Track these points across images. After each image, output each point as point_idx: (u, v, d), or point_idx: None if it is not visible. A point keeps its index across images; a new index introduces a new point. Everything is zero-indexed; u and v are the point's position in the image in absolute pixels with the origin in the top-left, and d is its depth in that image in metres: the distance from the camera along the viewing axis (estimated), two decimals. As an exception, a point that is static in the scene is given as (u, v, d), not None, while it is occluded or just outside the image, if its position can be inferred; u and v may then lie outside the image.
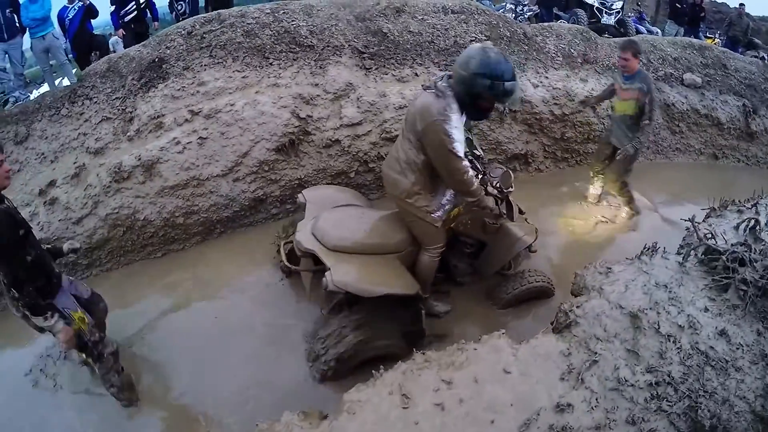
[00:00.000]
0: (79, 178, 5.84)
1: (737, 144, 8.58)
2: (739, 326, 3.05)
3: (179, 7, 9.97)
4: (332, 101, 6.19)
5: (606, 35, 9.80)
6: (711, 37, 13.69)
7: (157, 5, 10.08)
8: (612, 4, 11.42)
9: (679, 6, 12.80)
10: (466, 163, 3.76)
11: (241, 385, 4.31)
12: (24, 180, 5.95)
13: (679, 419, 2.57)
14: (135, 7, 9.40)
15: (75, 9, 8.59)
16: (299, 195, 4.90)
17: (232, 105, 5.93)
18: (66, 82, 8.33)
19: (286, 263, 4.40)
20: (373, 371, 2.93)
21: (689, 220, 4.05)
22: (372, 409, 2.64)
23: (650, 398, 2.65)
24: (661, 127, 8.00)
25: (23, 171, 6.01)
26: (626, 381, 2.74)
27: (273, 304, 5.04)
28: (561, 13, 11.97)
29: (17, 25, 7.82)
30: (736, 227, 3.98)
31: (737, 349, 2.91)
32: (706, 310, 3.14)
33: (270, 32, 6.43)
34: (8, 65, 8.04)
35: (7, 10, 7.60)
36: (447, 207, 4.11)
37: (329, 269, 3.80)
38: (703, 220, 4.27)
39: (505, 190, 4.43)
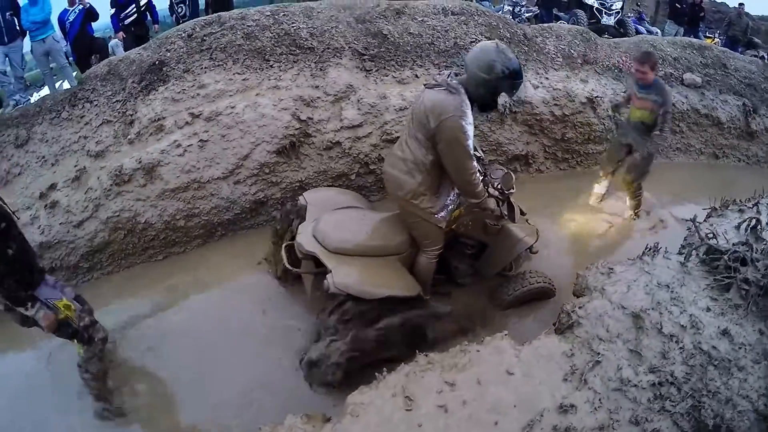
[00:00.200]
0: (79, 181, 5.83)
1: (737, 143, 8.58)
2: (742, 326, 3.06)
3: (179, 10, 9.98)
4: (333, 103, 6.19)
5: (606, 36, 9.81)
6: (711, 37, 13.69)
7: (157, 8, 10.10)
8: (612, 5, 11.43)
9: (679, 6, 12.80)
10: (475, 162, 3.79)
11: (243, 388, 4.30)
12: (24, 183, 5.95)
13: (682, 419, 2.58)
14: (135, 9, 9.42)
15: (75, 12, 8.61)
16: (300, 197, 4.90)
17: (232, 107, 5.92)
18: (66, 85, 8.30)
19: (288, 265, 4.39)
20: (376, 374, 2.93)
21: (691, 220, 4.06)
22: (375, 411, 2.65)
23: (653, 398, 2.66)
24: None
25: (24, 174, 6.02)
26: (629, 381, 2.75)
27: (274, 307, 5.03)
28: (561, 14, 11.99)
29: (17, 28, 7.80)
30: (738, 227, 3.98)
31: (740, 348, 2.92)
32: (708, 309, 3.15)
33: (270, 34, 6.43)
34: (8, 68, 8.02)
35: (8, 13, 7.58)
36: (450, 207, 4.09)
37: (330, 271, 3.81)
38: (705, 220, 4.27)
39: (506, 192, 4.43)
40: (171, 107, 6.00)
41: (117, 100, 6.19)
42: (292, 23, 6.57)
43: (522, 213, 4.98)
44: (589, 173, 7.33)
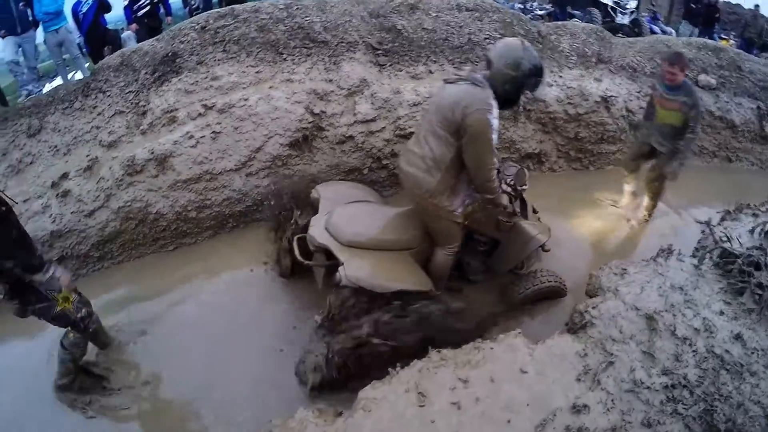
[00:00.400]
0: (91, 171, 5.85)
1: (751, 147, 8.49)
2: (755, 330, 3.04)
3: (193, 2, 10.02)
4: (346, 97, 6.17)
5: (620, 35, 9.72)
6: (725, 39, 13.62)
7: (171, 0, 10.10)
8: (626, 4, 11.39)
9: (694, 6, 12.72)
10: (495, 159, 3.77)
11: (251, 381, 4.30)
12: (36, 172, 5.96)
13: (694, 422, 2.57)
14: (149, 1, 9.44)
15: (88, 3, 8.62)
16: (313, 191, 4.90)
17: (245, 100, 5.91)
18: (79, 76, 8.34)
19: (299, 257, 4.39)
20: (389, 369, 2.92)
21: (705, 223, 4.04)
22: (388, 406, 2.64)
23: (666, 401, 2.65)
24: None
25: (36, 163, 6.03)
26: (642, 383, 2.73)
27: (283, 300, 5.04)
28: (575, 12, 11.94)
29: (30, 18, 7.84)
30: (752, 231, 3.96)
31: (752, 353, 2.90)
32: (722, 313, 3.14)
33: (284, 28, 6.42)
34: (21, 58, 8.06)
35: (21, 4, 7.61)
36: (467, 202, 4.05)
37: (342, 264, 3.81)
38: (719, 223, 4.24)
39: (519, 188, 4.42)
40: (184, 99, 6.00)
41: (130, 91, 6.19)
42: (306, 17, 6.55)
43: (534, 211, 4.97)
44: (602, 173, 7.31)
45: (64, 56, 8.73)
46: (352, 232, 4.09)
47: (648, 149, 5.91)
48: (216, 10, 6.65)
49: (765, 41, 13.72)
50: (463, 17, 7.10)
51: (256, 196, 5.92)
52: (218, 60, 6.24)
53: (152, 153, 5.68)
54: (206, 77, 6.11)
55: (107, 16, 9.08)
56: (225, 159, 5.79)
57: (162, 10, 9.83)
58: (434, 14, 6.99)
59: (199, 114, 5.89)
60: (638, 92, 7.60)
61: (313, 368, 3.95)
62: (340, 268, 3.79)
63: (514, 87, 3.67)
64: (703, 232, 4.18)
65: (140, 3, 9.39)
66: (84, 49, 9.32)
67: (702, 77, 8.21)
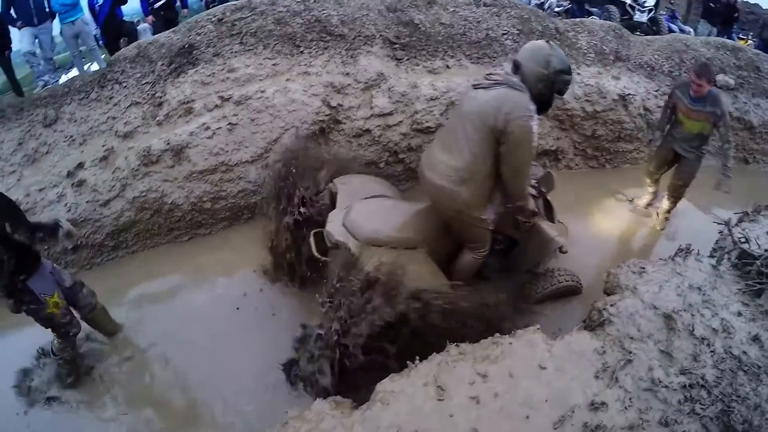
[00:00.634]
0: (107, 161, 5.88)
1: (769, 149, 8.44)
2: (773, 332, 3.01)
3: (209, -5, 10.00)
4: (363, 91, 6.16)
5: (638, 33, 9.66)
6: (744, 39, 13.47)
7: (187, -8, 10.13)
8: (645, 2, 11.29)
9: (713, 6, 12.61)
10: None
11: (260, 372, 4.30)
12: (52, 162, 6.00)
13: (711, 423, 2.54)
14: (166, -6, 9.46)
15: (104, -5, 8.64)
16: (330, 184, 4.86)
17: (262, 92, 5.93)
18: (95, 67, 8.35)
19: (316, 253, 4.36)
20: (408, 362, 2.91)
21: (724, 223, 4.00)
22: (406, 399, 2.62)
23: (683, 400, 2.62)
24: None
25: (51, 153, 6.07)
26: (660, 382, 2.71)
27: (296, 292, 5.04)
28: (593, 9, 11.86)
29: (47, 10, 7.86)
30: (770, 232, 3.93)
31: (769, 355, 2.88)
32: (740, 314, 3.11)
33: (301, 21, 6.42)
34: (38, 50, 8.09)
35: (38, -5, 7.65)
36: (497, 209, 3.90)
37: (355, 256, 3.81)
38: (736, 225, 4.21)
39: (543, 190, 4.40)
40: (200, 90, 6.02)
41: (146, 82, 6.21)
42: (323, 10, 6.55)
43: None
44: (619, 171, 7.27)
45: (80, 48, 8.74)
46: (370, 229, 4.03)
47: (672, 156, 5.81)
48: (233, 2, 6.65)
49: (783, 42, 13.61)
50: (481, 12, 7.07)
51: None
52: (235, 52, 6.24)
53: (168, 144, 5.70)
54: (223, 69, 6.12)
55: (123, 8, 9.08)
56: (241, 150, 5.81)
57: (178, 3, 9.84)
58: (452, 9, 6.96)
59: (216, 105, 5.91)
60: (656, 91, 7.54)
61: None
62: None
63: (546, 86, 3.57)
64: (720, 232, 4.14)
65: (157, -5, 9.43)
66: (100, 41, 9.34)
67: (720, 77, 8.13)
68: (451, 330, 3.45)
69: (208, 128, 5.77)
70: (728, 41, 9.33)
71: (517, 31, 7.01)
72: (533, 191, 4.29)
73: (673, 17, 13.25)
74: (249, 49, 6.26)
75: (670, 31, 11.41)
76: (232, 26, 6.37)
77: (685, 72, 7.65)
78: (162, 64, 6.21)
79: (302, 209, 4.61)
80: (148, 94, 6.14)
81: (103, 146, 5.94)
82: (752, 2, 18.96)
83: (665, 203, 5.98)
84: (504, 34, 6.93)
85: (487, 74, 3.77)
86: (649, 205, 6.34)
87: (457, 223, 3.94)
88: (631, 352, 2.88)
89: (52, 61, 8.50)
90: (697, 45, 8.43)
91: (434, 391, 2.65)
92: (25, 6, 7.52)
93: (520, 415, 2.55)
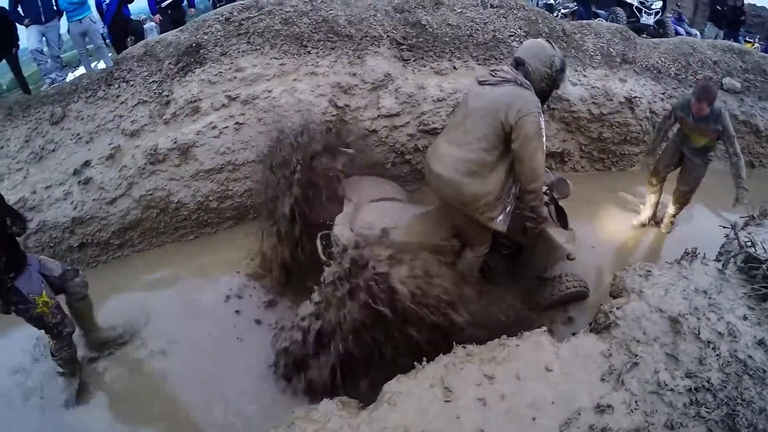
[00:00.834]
0: (114, 159, 5.90)
1: (775, 152, 8.41)
2: (778, 337, 3.01)
3: (216, -6, 10.01)
4: (370, 91, 6.16)
5: (645, 35, 9.66)
6: (750, 42, 13.48)
7: (194, -8, 10.16)
8: (651, 4, 11.25)
9: (720, 8, 12.57)
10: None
11: (262, 372, 4.35)
12: (59, 159, 6.01)
13: (716, 426, 2.54)
14: (173, -7, 9.49)
15: (111, -6, 8.67)
16: (338, 186, 4.86)
17: (269, 92, 5.94)
18: (102, 65, 8.40)
19: (323, 256, 4.36)
20: (414, 363, 2.92)
21: (730, 227, 4.01)
22: (413, 401, 2.63)
23: (689, 404, 2.63)
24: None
25: (58, 150, 6.07)
26: (666, 385, 2.71)
27: (300, 292, 5.02)
28: (600, 11, 11.85)
29: (55, 8, 7.90)
30: (776, 237, 3.92)
31: (775, 359, 2.87)
32: (745, 318, 3.11)
33: (308, 21, 6.41)
34: (45, 47, 8.13)
35: (45, -7, 7.68)
36: (508, 210, 3.92)
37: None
38: (742, 228, 4.21)
39: (555, 196, 4.40)
40: (207, 89, 6.03)
41: (153, 81, 6.22)
42: (330, 10, 6.55)
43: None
44: (625, 174, 7.25)
45: (87, 46, 8.79)
46: (376, 234, 4.06)
47: (679, 157, 5.78)
48: (240, 1, 6.66)
49: (790, 45, 13.60)
50: (488, 14, 7.07)
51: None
52: (242, 52, 6.25)
53: (175, 142, 5.72)
54: (230, 68, 6.13)
55: (131, 6, 9.14)
56: (248, 150, 5.82)
57: (185, 2, 9.88)
58: (459, 10, 6.96)
59: (223, 105, 5.92)
60: (662, 94, 7.53)
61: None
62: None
63: (548, 84, 3.81)
64: (726, 236, 4.15)
65: (164, -6, 9.47)
66: (107, 40, 9.38)
67: (726, 80, 8.12)
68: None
69: (215, 127, 5.79)
70: (735, 44, 9.30)
71: (524, 33, 7.00)
72: (545, 197, 4.27)
73: (679, 20, 13.23)
74: (256, 49, 6.26)
75: (677, 33, 11.42)
76: (239, 26, 6.37)
77: (694, 81, 7.64)
78: (169, 63, 6.22)
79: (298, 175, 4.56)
80: (155, 93, 6.15)
81: (110, 144, 5.96)
82: (759, 5, 18.95)
83: (671, 208, 5.96)
84: (511, 35, 6.93)
85: (492, 71, 3.87)
86: (650, 221, 6.26)
87: (462, 219, 3.98)
88: (637, 355, 2.88)
89: (59, 59, 8.52)
90: (704, 48, 8.41)
91: (441, 392, 2.66)
92: (33, 4, 7.58)
93: (527, 417, 2.55)
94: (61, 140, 6.11)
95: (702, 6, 16.16)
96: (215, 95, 5.98)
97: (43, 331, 4.19)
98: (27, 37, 7.82)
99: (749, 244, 3.72)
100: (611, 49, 7.57)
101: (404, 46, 6.53)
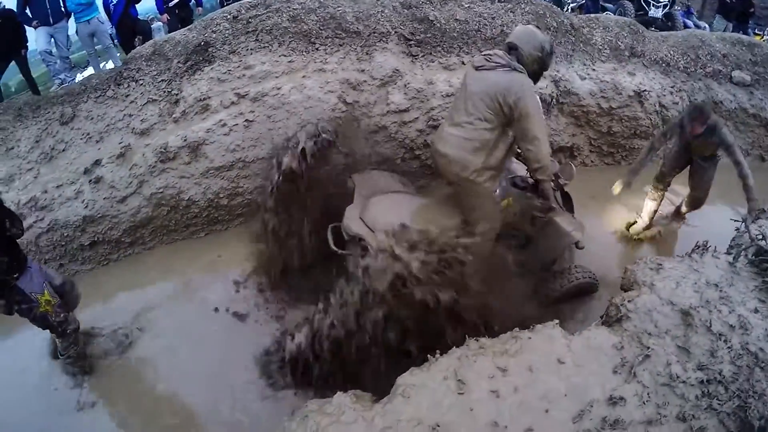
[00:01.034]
0: (124, 157, 5.92)
1: (786, 146, 8.36)
2: (789, 330, 3.00)
3: (224, -7, 10.02)
4: (379, 87, 6.17)
5: (653, 28, 9.60)
6: (760, 34, 13.32)
7: (201, -9, 10.17)
8: (660, -3, 11.19)
9: (729, 1, 12.49)
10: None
11: (269, 368, 4.42)
12: (69, 159, 6.02)
13: (728, 418, 2.54)
14: (180, -8, 9.50)
15: (118, -6, 8.70)
16: (348, 180, 4.91)
17: (278, 89, 5.95)
18: (111, 65, 8.44)
19: (333, 247, 4.40)
20: (428, 356, 2.93)
21: (741, 220, 4.00)
22: (427, 393, 2.63)
23: (701, 396, 2.62)
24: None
25: (68, 150, 6.08)
26: (678, 377, 2.71)
27: (311, 288, 5.05)
28: (607, 5, 11.79)
29: (63, 9, 7.94)
30: (787, 230, 3.91)
31: (786, 352, 2.87)
32: (756, 311, 3.10)
33: (316, 18, 6.42)
34: (54, 48, 8.17)
35: (53, -5, 7.72)
36: (503, 185, 4.34)
37: (373, 252, 3.83)
38: (753, 221, 4.20)
39: (561, 181, 4.45)
40: (216, 87, 6.04)
41: (162, 80, 6.23)
42: (338, 7, 6.55)
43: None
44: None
45: (96, 46, 8.84)
46: (387, 222, 4.08)
47: (685, 161, 5.72)
48: (247, 0, 6.68)
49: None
50: (496, 8, 7.06)
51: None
52: (251, 49, 6.26)
53: (185, 140, 5.74)
54: (239, 66, 6.14)
55: (138, 6, 9.15)
56: (257, 147, 5.84)
57: (193, 1, 9.89)
58: (467, 5, 6.95)
59: (232, 102, 5.94)
60: (672, 87, 7.50)
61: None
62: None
63: (539, 67, 4.15)
64: (737, 229, 4.14)
65: (172, -7, 9.48)
66: (115, 40, 9.42)
67: (736, 73, 8.08)
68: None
69: (224, 125, 5.81)
70: (744, 37, 9.25)
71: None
72: (551, 183, 4.37)
73: (688, 13, 13.14)
74: (264, 47, 6.26)
75: (686, 26, 11.34)
76: (247, 24, 6.38)
77: (703, 74, 7.63)
78: (178, 62, 6.24)
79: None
80: (164, 92, 6.17)
81: (120, 143, 5.97)
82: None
83: (684, 207, 5.94)
84: (519, 30, 6.92)
85: (486, 56, 4.13)
86: (646, 230, 6.15)
87: (470, 198, 4.20)
88: (648, 348, 2.88)
89: (68, 60, 8.58)
90: (713, 41, 8.37)
91: (454, 384, 2.67)
92: (41, 5, 7.62)
93: (540, 409, 2.56)
94: (72, 140, 6.13)
95: (711, -2, 16.07)
96: (224, 93, 5.99)
97: (48, 330, 4.24)
98: (36, 38, 7.87)
99: (760, 237, 3.71)
100: (620, 43, 7.55)
101: (412, 42, 6.53)
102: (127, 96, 6.25)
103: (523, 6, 7.22)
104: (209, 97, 5.99)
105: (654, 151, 5.63)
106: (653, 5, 11.18)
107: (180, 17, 9.45)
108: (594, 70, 7.14)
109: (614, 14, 10.14)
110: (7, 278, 3.81)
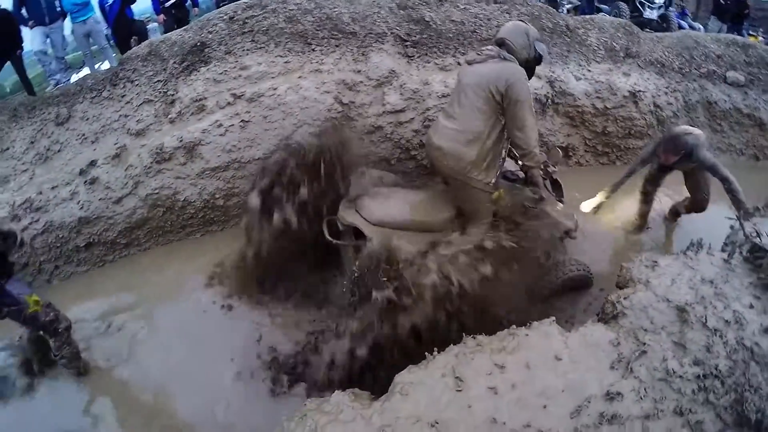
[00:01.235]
0: (120, 158, 5.91)
1: (780, 145, 8.40)
2: (784, 325, 3.02)
3: (220, -7, 10.02)
4: (375, 88, 6.17)
5: (648, 30, 9.63)
6: (754, 35, 13.41)
7: (197, -8, 10.17)
8: (655, -1, 11.25)
9: (723, 2, 12.55)
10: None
11: (262, 371, 4.44)
12: (64, 160, 6.01)
13: (725, 412, 2.55)
14: (176, -8, 9.50)
15: (114, -5, 8.69)
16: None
17: (274, 89, 5.95)
18: (106, 66, 8.41)
19: (329, 237, 4.44)
20: (426, 353, 2.94)
21: (737, 217, 4.02)
22: (425, 391, 2.64)
23: (697, 390, 2.64)
24: (702, 126, 7.85)
25: (64, 151, 6.07)
26: (674, 372, 2.72)
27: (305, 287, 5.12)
28: (602, 6, 11.84)
29: (59, 9, 7.92)
30: (781, 227, 3.92)
31: (781, 347, 2.88)
32: (751, 307, 3.11)
33: (312, 18, 6.43)
34: (49, 49, 8.15)
35: (49, -6, 7.70)
36: (498, 173, 4.32)
37: (370, 239, 3.88)
38: (748, 219, 4.22)
39: (549, 169, 4.48)
40: (212, 88, 6.04)
41: (158, 80, 6.22)
42: (334, 8, 6.56)
43: (561, 201, 4.93)
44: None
45: (91, 47, 8.81)
46: (382, 212, 4.17)
47: (668, 174, 5.65)
48: (244, 0, 6.67)
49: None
50: (492, 10, 7.08)
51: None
52: (247, 50, 6.26)
53: (181, 141, 5.74)
54: (235, 67, 6.14)
55: (134, 7, 9.14)
56: (254, 147, 5.84)
57: (189, 1, 9.88)
58: (462, 6, 6.97)
59: (228, 103, 5.94)
60: (666, 87, 7.54)
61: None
62: (367, 242, 4.01)
63: (529, 53, 4.25)
64: (731, 227, 4.15)
65: (168, -7, 9.48)
66: (111, 40, 9.39)
67: (730, 74, 8.12)
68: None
69: (220, 125, 5.81)
70: (738, 38, 9.31)
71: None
72: (540, 172, 4.45)
73: (683, 14, 13.23)
74: (261, 47, 6.26)
75: (680, 28, 11.39)
76: (243, 24, 6.38)
77: (698, 75, 7.67)
78: (174, 63, 6.23)
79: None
80: (160, 92, 6.16)
81: (116, 144, 5.96)
82: (763, -1, 18.89)
83: (683, 210, 5.94)
84: (515, 31, 6.95)
85: (478, 51, 4.30)
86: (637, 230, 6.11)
87: (461, 191, 4.27)
88: (645, 344, 2.89)
89: (63, 60, 8.55)
90: (708, 42, 8.42)
91: (452, 381, 2.68)
92: (37, 5, 7.60)
93: (538, 405, 2.57)
94: (67, 141, 6.11)
95: (705, 0, 16.11)
96: (220, 94, 5.99)
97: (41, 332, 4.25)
98: (31, 38, 7.84)
99: (755, 234, 3.72)
100: (615, 44, 7.58)
101: (408, 43, 6.54)
102: (122, 96, 6.24)
103: (518, 7, 7.25)
104: (205, 98, 5.98)
105: (632, 175, 5.57)
106: (648, 7, 11.24)
107: (176, 17, 9.45)
108: (589, 70, 7.18)
109: (609, 15, 10.17)
110: None
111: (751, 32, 13.95)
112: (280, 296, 5.15)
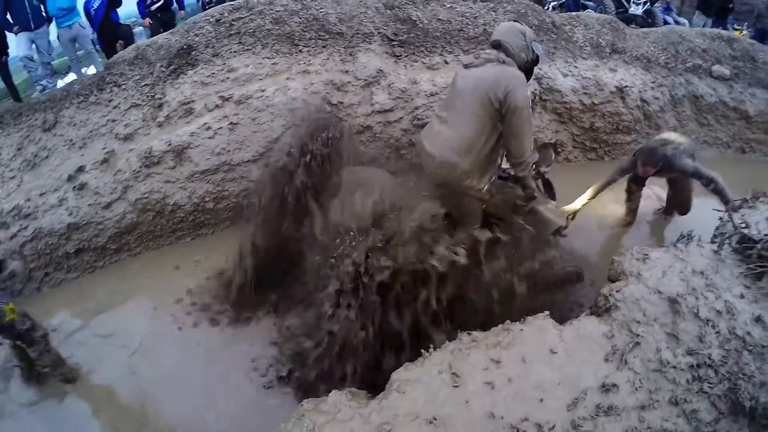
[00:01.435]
0: (108, 163, 5.89)
1: (765, 138, 8.43)
2: (774, 313, 3.05)
3: (205, -4, 9.99)
4: (363, 88, 6.19)
5: (633, 25, 9.68)
6: (739, 29, 13.45)
7: (184, -6, 10.12)
8: (639, -6, 11.27)
9: (708, -5, 12.63)
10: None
11: (254, 376, 4.43)
12: (52, 166, 5.97)
13: (719, 401, 2.58)
14: (162, -4, 9.46)
15: (99, -1, 8.64)
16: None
17: (262, 91, 5.95)
18: (92, 71, 8.37)
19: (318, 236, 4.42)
20: (422, 350, 2.95)
21: (726, 210, 4.05)
22: (422, 387, 2.64)
23: (692, 380, 2.66)
24: (689, 120, 7.93)
25: (51, 157, 6.03)
26: (668, 363, 2.74)
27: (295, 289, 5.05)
28: (588, 2, 11.87)
29: (44, 14, 7.87)
30: (768, 218, 3.96)
31: (772, 335, 2.91)
32: (742, 296, 3.14)
33: (299, 19, 6.42)
34: (35, 54, 8.09)
35: (34, 0, 7.64)
36: (492, 179, 4.19)
37: None
38: (736, 211, 4.25)
39: (541, 169, 4.47)
40: (200, 91, 6.03)
41: (145, 84, 6.20)
42: (321, 8, 6.56)
43: (553, 198, 4.96)
44: (618, 163, 7.30)
45: (77, 52, 8.77)
46: (363, 207, 4.14)
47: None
48: (230, 2, 6.65)
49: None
50: (478, 8, 7.10)
51: (275, 187, 5.94)
52: (234, 52, 6.25)
53: (169, 145, 5.73)
54: (222, 69, 6.13)
55: (119, 11, 9.09)
56: (243, 150, 5.84)
57: (175, 5, 9.84)
58: (449, 5, 6.99)
59: (216, 106, 5.93)
60: (653, 82, 7.59)
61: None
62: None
63: (527, 54, 4.04)
64: (720, 219, 4.19)
65: (154, -3, 9.44)
66: (97, 45, 9.34)
67: (716, 68, 8.18)
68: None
69: (209, 128, 5.80)
70: (723, 32, 9.34)
71: (513, 26, 7.04)
72: (532, 172, 4.39)
73: (668, 9, 13.21)
74: (248, 49, 6.26)
75: (666, 23, 11.43)
76: (230, 26, 6.37)
77: (684, 69, 7.71)
78: (161, 66, 6.21)
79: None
80: (147, 96, 6.14)
81: (104, 149, 5.94)
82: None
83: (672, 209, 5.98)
84: (501, 29, 6.97)
85: (475, 54, 4.12)
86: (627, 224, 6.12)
87: (453, 196, 4.12)
88: (638, 335, 2.91)
89: (49, 66, 8.49)
90: (693, 36, 8.46)
91: (449, 378, 2.68)
92: (22, 11, 7.53)
93: (535, 399, 2.58)
94: (54, 147, 6.08)
95: (689, -6, 16.19)
96: (208, 96, 5.99)
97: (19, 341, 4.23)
98: (16, 44, 7.77)
99: (743, 225, 3.76)
100: (601, 40, 7.62)
101: (395, 42, 6.55)
102: (110, 101, 6.21)
103: (505, 5, 7.26)
104: (193, 101, 5.97)
105: (611, 184, 5.52)
106: (633, 2, 11.25)
107: (162, 21, 9.42)
108: (576, 67, 7.21)
109: (595, 12, 10.19)
110: None
111: (735, 26, 13.98)
112: (272, 300, 5.12)
